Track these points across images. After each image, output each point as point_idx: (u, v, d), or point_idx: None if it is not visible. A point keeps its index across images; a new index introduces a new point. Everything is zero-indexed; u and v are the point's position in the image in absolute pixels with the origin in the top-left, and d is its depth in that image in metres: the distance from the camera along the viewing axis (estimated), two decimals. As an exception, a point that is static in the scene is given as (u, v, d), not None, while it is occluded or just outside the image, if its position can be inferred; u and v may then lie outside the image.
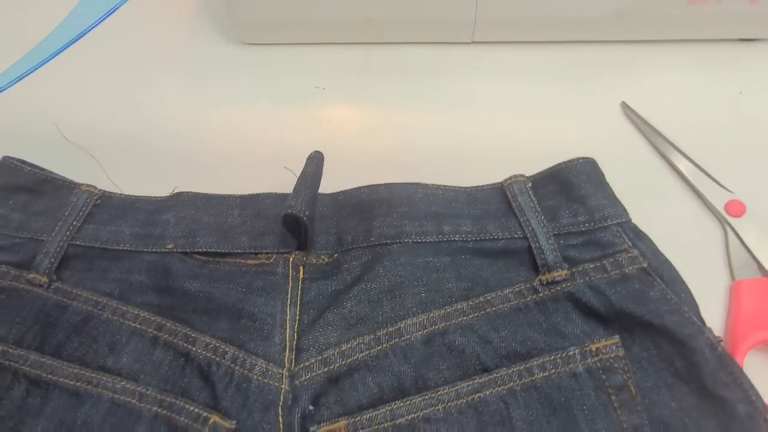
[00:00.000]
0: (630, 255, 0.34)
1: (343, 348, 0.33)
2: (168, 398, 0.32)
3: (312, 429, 0.31)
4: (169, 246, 0.37)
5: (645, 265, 0.34)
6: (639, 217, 0.36)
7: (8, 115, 0.47)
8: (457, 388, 0.32)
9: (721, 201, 0.39)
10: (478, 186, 0.39)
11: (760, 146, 0.41)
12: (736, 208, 0.38)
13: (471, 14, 0.44)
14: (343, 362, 0.33)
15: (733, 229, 0.38)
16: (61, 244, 0.37)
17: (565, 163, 0.38)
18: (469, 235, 0.36)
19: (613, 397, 0.31)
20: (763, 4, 0.41)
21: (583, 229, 0.36)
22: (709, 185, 0.39)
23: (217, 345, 0.34)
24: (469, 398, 0.32)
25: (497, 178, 0.39)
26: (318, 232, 0.37)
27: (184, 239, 0.37)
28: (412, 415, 0.31)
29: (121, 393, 0.32)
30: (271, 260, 0.36)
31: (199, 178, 0.41)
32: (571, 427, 0.31)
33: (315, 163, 0.36)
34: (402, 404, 0.31)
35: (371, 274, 0.35)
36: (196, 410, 0.32)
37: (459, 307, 0.34)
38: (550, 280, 0.34)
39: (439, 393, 0.32)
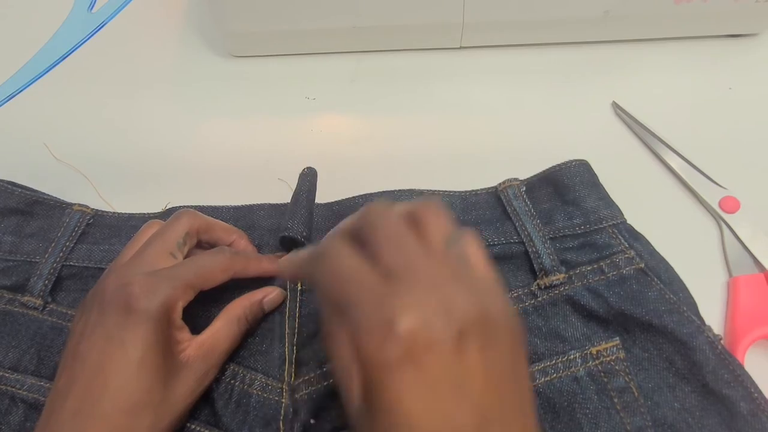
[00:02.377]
0: (626, 256, 0.34)
1: (343, 361, 0.33)
2: (168, 417, 0.32)
3: (314, 443, 0.31)
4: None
5: (642, 265, 0.34)
6: (634, 217, 0.36)
7: (-3, 137, 0.46)
8: (458, 396, 0.32)
9: (714, 197, 0.39)
10: (473, 190, 0.39)
11: (752, 141, 0.42)
12: (730, 204, 0.38)
13: (458, 19, 0.44)
14: (344, 375, 0.33)
15: (728, 225, 0.38)
16: (55, 265, 0.37)
17: (558, 165, 0.38)
18: (466, 243, 0.36)
19: (616, 400, 0.31)
20: (749, 1, 0.41)
21: (579, 231, 0.36)
22: (702, 182, 0.39)
23: (216, 362, 0.33)
24: (472, 406, 0.32)
25: (491, 181, 0.39)
26: (314, 243, 0.37)
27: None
28: (415, 426, 0.31)
29: (120, 414, 0.32)
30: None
31: (191, 192, 0.41)
32: (574, 432, 0.31)
33: (308, 180, 0.36)
34: (404, 415, 0.31)
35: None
36: (198, 428, 0.32)
37: (458, 314, 0.34)
38: (547, 284, 0.34)
39: (441, 402, 0.31)
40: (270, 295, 0.35)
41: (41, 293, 0.36)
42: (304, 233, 0.34)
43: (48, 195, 0.40)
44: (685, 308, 0.32)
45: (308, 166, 0.37)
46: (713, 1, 0.41)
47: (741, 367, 0.31)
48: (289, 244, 0.35)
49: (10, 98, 0.48)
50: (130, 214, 0.40)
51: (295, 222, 0.34)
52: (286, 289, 0.36)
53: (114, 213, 0.40)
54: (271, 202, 0.39)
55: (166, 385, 0.29)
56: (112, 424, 0.27)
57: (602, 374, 0.32)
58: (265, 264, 0.35)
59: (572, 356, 0.32)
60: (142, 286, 0.29)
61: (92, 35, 0.51)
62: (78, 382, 0.28)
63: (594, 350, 0.32)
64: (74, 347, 0.30)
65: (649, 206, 0.38)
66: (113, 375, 0.28)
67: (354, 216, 0.26)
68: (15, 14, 0.53)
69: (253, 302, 0.34)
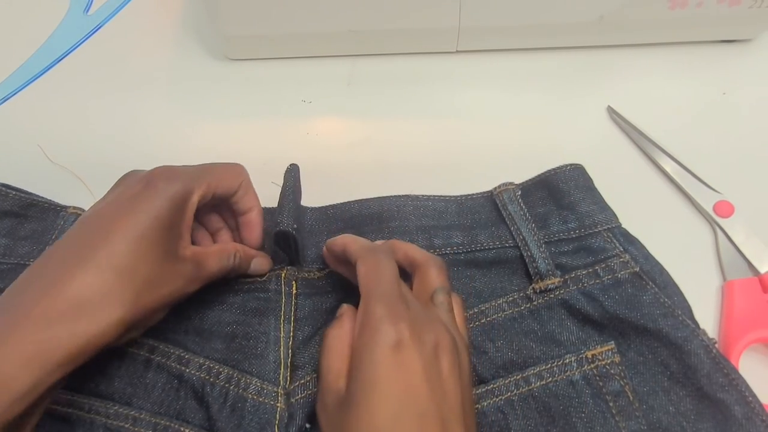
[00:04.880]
0: (622, 260, 0.34)
1: (338, 364, 0.33)
2: (162, 421, 0.32)
3: (309, 447, 0.31)
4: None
5: (637, 269, 0.34)
6: (629, 221, 0.37)
7: (-9, 139, 0.46)
8: (454, 400, 0.32)
9: (709, 202, 0.39)
10: (468, 195, 0.39)
11: (746, 146, 0.42)
12: (725, 209, 0.38)
13: (455, 23, 0.44)
14: (339, 379, 0.33)
15: (722, 229, 0.38)
16: (49, 268, 0.37)
17: (553, 169, 0.38)
18: (461, 247, 0.36)
19: (611, 404, 0.31)
20: (742, 7, 0.42)
21: (574, 235, 0.36)
22: (697, 187, 0.40)
23: (211, 366, 0.33)
24: (467, 410, 0.32)
25: (486, 186, 0.39)
26: (308, 246, 0.37)
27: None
28: (410, 430, 0.31)
29: (114, 418, 0.32)
30: (264, 277, 0.36)
31: (187, 196, 0.40)
32: (570, 436, 0.31)
33: (292, 176, 0.36)
34: (399, 419, 0.31)
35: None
36: (192, 432, 0.32)
37: (453, 318, 0.34)
38: (543, 288, 0.34)
39: (436, 406, 0.31)
40: (260, 258, 0.35)
41: (35, 296, 0.36)
42: (294, 226, 0.34)
43: (42, 197, 0.40)
44: (679, 312, 0.33)
45: (292, 163, 0.37)
46: (707, 6, 0.42)
47: (735, 370, 0.31)
48: (282, 240, 0.35)
49: (5, 100, 0.48)
50: (125, 217, 0.40)
51: (284, 216, 0.34)
52: (279, 294, 0.36)
53: (109, 216, 0.40)
54: (267, 205, 0.39)
55: (159, 266, 0.29)
56: (101, 277, 0.27)
57: (597, 378, 0.32)
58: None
59: (568, 360, 0.32)
60: (164, 171, 0.31)
61: (88, 37, 0.51)
62: (77, 239, 0.28)
63: (589, 354, 0.32)
64: (78, 223, 0.30)
65: (644, 210, 0.38)
66: (116, 234, 0.28)
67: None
68: (10, 16, 0.53)
69: (247, 252, 0.35)
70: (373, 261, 0.30)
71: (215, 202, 0.34)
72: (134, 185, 0.31)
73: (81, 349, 0.26)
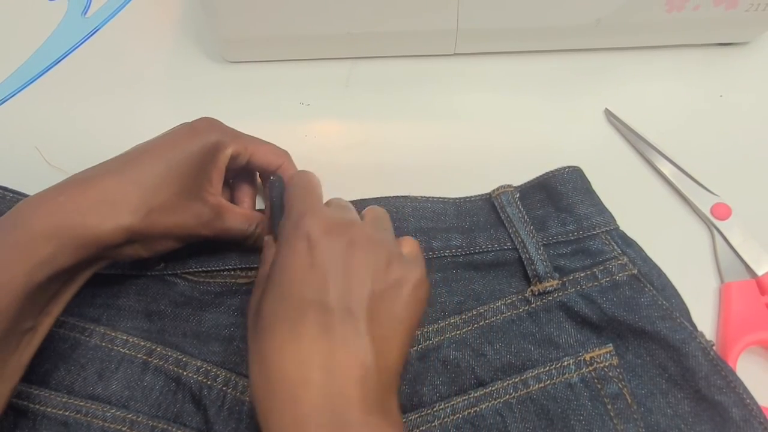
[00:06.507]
0: (620, 262, 0.34)
1: (336, 367, 0.33)
2: (160, 424, 0.32)
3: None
4: (160, 266, 0.37)
5: (635, 271, 0.34)
6: (626, 223, 0.37)
7: (-12, 141, 0.46)
8: (452, 403, 0.32)
9: (706, 204, 0.39)
10: (467, 197, 0.39)
11: (743, 148, 0.42)
12: (722, 211, 0.39)
13: (452, 26, 0.44)
14: (337, 381, 0.33)
15: (719, 231, 0.38)
16: (46, 270, 0.36)
17: (551, 172, 0.38)
18: (459, 249, 0.36)
19: (609, 407, 0.31)
20: (739, 10, 0.42)
21: (572, 238, 0.36)
22: (694, 189, 0.40)
23: (209, 368, 0.33)
24: (465, 413, 0.32)
25: (485, 188, 0.39)
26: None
27: (174, 259, 0.37)
28: (409, 433, 0.31)
29: (111, 421, 0.32)
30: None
31: (185, 198, 0.40)
32: (568, 438, 0.31)
33: (278, 187, 0.36)
34: (398, 422, 0.31)
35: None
36: (190, 435, 0.32)
37: (452, 321, 0.34)
38: (541, 291, 0.34)
39: (435, 409, 0.32)
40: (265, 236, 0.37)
41: (32, 299, 0.36)
42: None
43: (40, 200, 0.40)
44: (677, 314, 0.33)
45: (274, 174, 0.37)
46: (704, 10, 0.42)
47: (733, 373, 0.31)
48: None
49: (3, 102, 0.48)
50: (122, 219, 0.39)
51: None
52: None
53: (106, 218, 0.40)
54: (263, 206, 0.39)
55: (178, 197, 0.32)
56: (123, 186, 0.31)
57: (596, 381, 0.32)
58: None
59: (566, 363, 0.32)
60: (210, 121, 0.35)
61: (86, 40, 0.51)
62: (119, 157, 0.33)
63: (587, 356, 0.32)
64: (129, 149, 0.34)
65: (642, 213, 0.38)
66: (149, 157, 0.32)
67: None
68: (8, 17, 0.53)
69: (265, 227, 0.36)
70: (299, 176, 0.33)
71: (252, 169, 0.38)
72: (181, 128, 0.34)
73: (90, 240, 0.29)
